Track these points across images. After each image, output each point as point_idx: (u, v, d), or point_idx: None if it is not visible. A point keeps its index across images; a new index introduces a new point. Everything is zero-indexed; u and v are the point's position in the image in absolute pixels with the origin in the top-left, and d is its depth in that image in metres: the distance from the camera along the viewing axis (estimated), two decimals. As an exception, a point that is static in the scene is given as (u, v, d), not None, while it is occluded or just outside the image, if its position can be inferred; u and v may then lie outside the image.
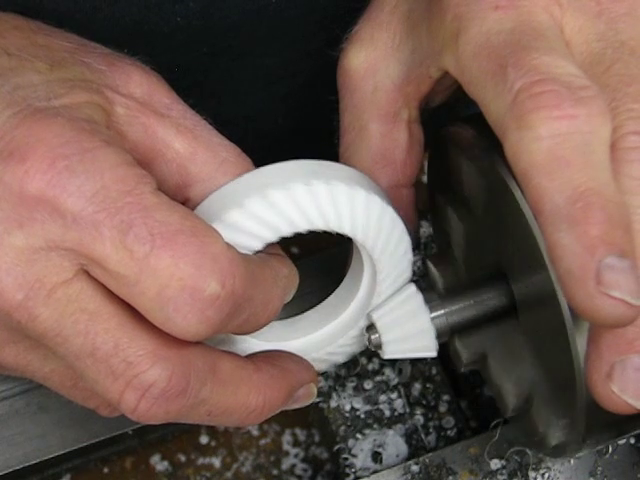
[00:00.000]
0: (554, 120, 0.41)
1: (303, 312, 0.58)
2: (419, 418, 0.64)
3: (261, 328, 0.49)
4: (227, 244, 0.45)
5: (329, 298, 0.58)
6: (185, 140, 0.49)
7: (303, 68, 0.65)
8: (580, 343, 0.46)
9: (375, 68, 0.54)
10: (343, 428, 0.64)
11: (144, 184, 0.44)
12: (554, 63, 0.43)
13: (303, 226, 0.49)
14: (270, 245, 0.50)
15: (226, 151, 0.50)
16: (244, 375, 0.48)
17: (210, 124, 0.50)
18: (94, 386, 0.45)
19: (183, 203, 0.50)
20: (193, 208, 0.49)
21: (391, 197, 0.53)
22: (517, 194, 0.47)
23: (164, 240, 0.43)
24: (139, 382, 0.44)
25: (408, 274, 0.55)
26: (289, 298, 0.52)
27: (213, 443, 0.70)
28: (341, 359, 0.58)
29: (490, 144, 0.48)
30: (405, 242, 0.53)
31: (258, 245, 0.48)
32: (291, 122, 0.69)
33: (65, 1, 0.54)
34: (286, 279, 0.50)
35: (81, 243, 0.43)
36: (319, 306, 0.58)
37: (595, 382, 0.42)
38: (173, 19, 0.57)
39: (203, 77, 0.62)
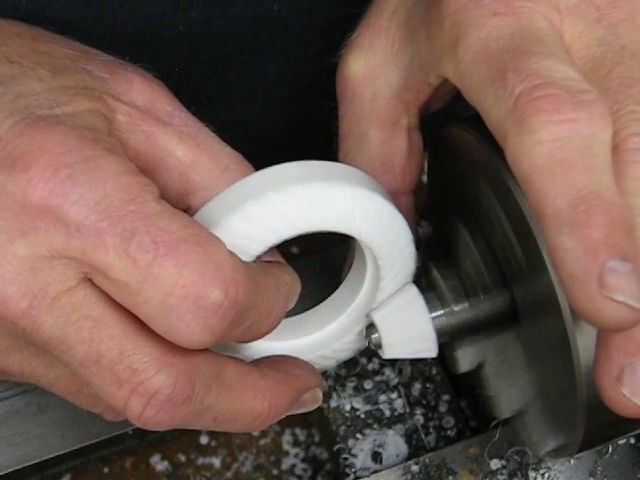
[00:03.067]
0: (555, 124, 0.41)
1: (303, 312, 0.58)
2: (419, 418, 0.64)
3: (264, 336, 0.49)
4: (230, 252, 0.45)
5: (332, 296, 0.58)
6: (187, 148, 0.49)
7: (303, 73, 0.65)
8: (581, 344, 0.46)
9: (374, 75, 0.54)
10: (343, 428, 0.64)
11: (147, 192, 0.44)
12: (554, 67, 0.43)
13: (304, 228, 0.49)
14: (270, 252, 0.50)
15: (228, 159, 0.50)
16: (249, 381, 0.48)
17: (213, 131, 0.50)
18: (99, 393, 0.45)
19: (185, 211, 0.49)
20: (194, 216, 0.49)
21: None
22: (518, 195, 0.47)
23: (167, 248, 0.43)
24: (144, 389, 0.44)
25: (411, 268, 0.55)
26: (291, 305, 0.52)
27: (213, 443, 0.70)
28: (347, 355, 0.58)
29: (490, 145, 0.48)
30: (406, 237, 0.53)
31: (259, 249, 0.48)
32: (291, 127, 0.69)
33: (67, 10, 0.54)
34: (288, 286, 0.50)
35: (84, 252, 0.43)
36: (322, 305, 0.58)
37: (605, 385, 0.42)
38: (175, 27, 0.57)
39: (204, 83, 0.62)
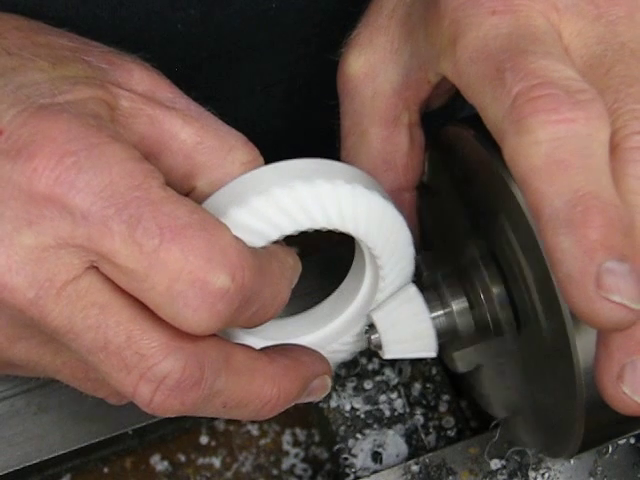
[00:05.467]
0: (552, 124, 0.41)
1: (304, 311, 0.58)
2: (419, 418, 0.64)
3: (270, 320, 0.49)
4: (235, 237, 0.45)
5: (332, 296, 0.58)
6: (192, 130, 0.49)
7: (301, 70, 0.66)
8: (581, 343, 0.46)
9: (374, 73, 0.54)
10: (343, 428, 0.64)
11: (152, 178, 0.44)
12: (552, 67, 0.43)
13: (306, 225, 0.49)
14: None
15: (234, 139, 0.50)
16: (258, 366, 0.48)
17: (214, 114, 0.51)
18: (108, 380, 0.45)
19: (190, 192, 0.50)
20: (200, 197, 0.49)
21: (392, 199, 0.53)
22: (517, 193, 0.47)
23: (173, 233, 0.43)
24: (153, 374, 0.44)
25: (410, 269, 0.55)
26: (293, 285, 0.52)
27: (213, 443, 0.70)
28: (344, 357, 0.58)
29: (489, 143, 0.48)
30: (406, 238, 0.53)
31: (261, 243, 0.49)
32: (290, 124, 0.69)
33: (65, 8, 0.54)
34: (292, 269, 0.50)
35: (90, 239, 0.43)
36: (322, 304, 0.58)
37: (606, 384, 0.42)
38: (173, 26, 0.57)
39: (202, 81, 0.62)
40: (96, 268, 0.44)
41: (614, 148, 0.43)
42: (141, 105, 0.48)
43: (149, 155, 0.48)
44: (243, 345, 0.49)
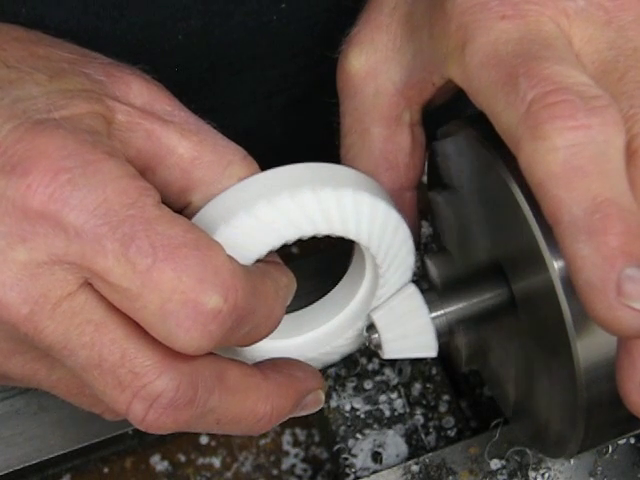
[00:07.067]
0: (569, 130, 0.41)
1: (301, 309, 0.58)
2: (419, 418, 0.64)
3: (263, 339, 0.49)
4: (229, 257, 0.45)
5: (329, 294, 0.58)
6: (189, 145, 0.49)
7: (302, 80, 0.65)
8: (581, 343, 0.46)
9: (376, 71, 0.53)
10: (343, 428, 0.64)
11: (146, 196, 0.44)
12: (566, 73, 0.43)
13: (308, 232, 0.49)
14: (269, 252, 0.50)
15: (232, 154, 0.50)
16: (252, 383, 0.48)
17: (215, 128, 0.50)
18: (102, 397, 0.45)
19: (186, 207, 0.50)
20: (196, 211, 0.49)
21: (394, 200, 0.53)
22: (517, 193, 0.47)
23: (166, 253, 0.43)
24: (147, 393, 0.44)
25: (411, 271, 0.55)
26: (288, 303, 0.52)
27: (213, 443, 0.70)
28: (337, 357, 0.58)
29: (490, 143, 0.48)
30: (408, 244, 0.53)
31: (263, 252, 0.48)
32: (291, 133, 0.69)
33: (67, 19, 0.54)
34: (286, 288, 0.50)
35: (84, 256, 0.43)
36: (319, 303, 0.58)
37: (629, 391, 0.42)
38: (174, 37, 0.57)
39: (203, 91, 0.62)
40: (91, 285, 0.44)
41: (631, 155, 0.42)
42: (138, 119, 0.48)
43: (146, 169, 0.48)
44: (237, 361, 0.49)
